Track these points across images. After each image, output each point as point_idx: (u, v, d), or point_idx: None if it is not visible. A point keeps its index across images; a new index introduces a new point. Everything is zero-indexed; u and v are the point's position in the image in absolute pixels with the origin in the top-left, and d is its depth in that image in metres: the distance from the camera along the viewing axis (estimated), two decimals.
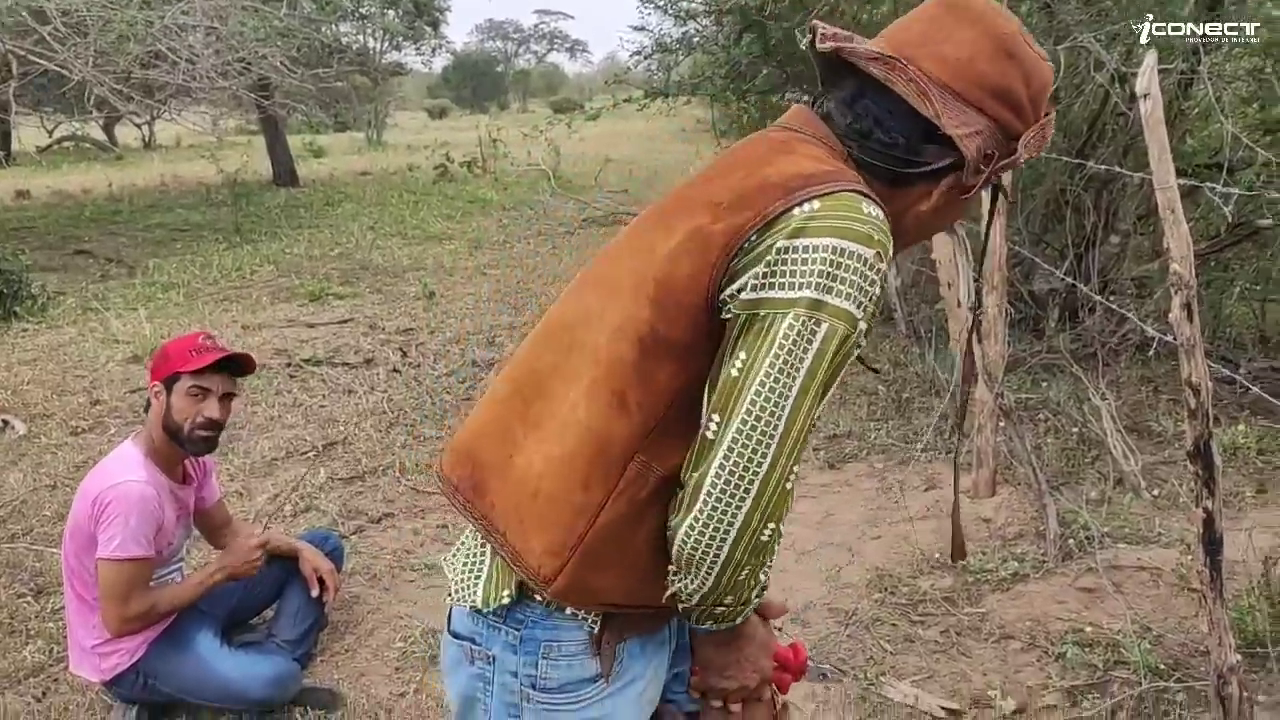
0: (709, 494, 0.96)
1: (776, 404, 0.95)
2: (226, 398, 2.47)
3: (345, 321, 6.20)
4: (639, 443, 1.02)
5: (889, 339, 5.31)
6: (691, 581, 1.01)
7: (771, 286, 0.97)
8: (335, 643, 2.79)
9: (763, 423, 0.95)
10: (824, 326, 0.96)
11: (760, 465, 0.95)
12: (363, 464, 4.00)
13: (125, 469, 2.36)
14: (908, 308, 5.42)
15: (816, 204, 0.99)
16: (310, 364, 5.32)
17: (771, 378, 0.95)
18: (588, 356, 1.05)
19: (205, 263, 8.13)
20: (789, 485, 0.98)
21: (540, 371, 1.09)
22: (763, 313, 0.97)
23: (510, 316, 6.20)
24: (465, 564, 1.14)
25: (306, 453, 4.14)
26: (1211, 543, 1.92)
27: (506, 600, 1.08)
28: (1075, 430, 3.81)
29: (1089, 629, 2.60)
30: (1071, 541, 3.03)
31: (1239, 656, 1.98)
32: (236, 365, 2.50)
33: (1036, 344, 4.67)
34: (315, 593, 2.67)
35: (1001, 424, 3.48)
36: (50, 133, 20.93)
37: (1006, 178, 1.26)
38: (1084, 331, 4.55)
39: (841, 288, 0.96)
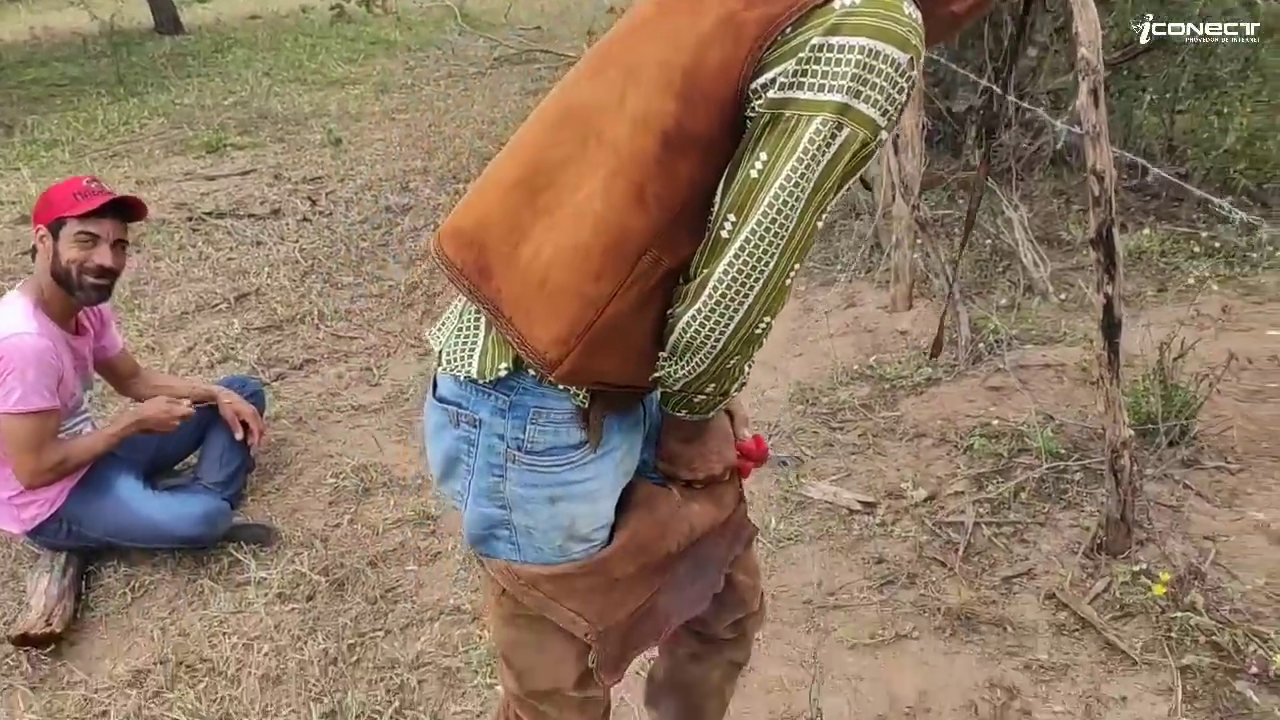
0: (715, 288, 0.99)
1: (792, 207, 0.96)
2: (119, 245, 2.35)
3: (247, 172, 5.89)
4: (654, 237, 1.02)
5: None
6: (682, 367, 1.05)
7: (801, 86, 0.95)
8: (265, 483, 2.78)
9: (776, 225, 0.96)
10: (845, 132, 0.94)
11: (768, 264, 0.97)
12: (279, 313, 3.90)
13: (15, 321, 2.25)
14: None
15: None
16: (213, 217, 5.07)
17: (792, 181, 0.95)
18: (606, 148, 1.02)
19: (89, 118, 7.57)
20: (788, 282, 1.00)
21: (551, 160, 1.06)
22: (788, 113, 0.95)
23: (423, 161, 5.96)
24: (457, 335, 1.15)
25: (218, 305, 4.01)
26: (1110, 326, 2.00)
27: (504, 373, 1.09)
28: (989, 242, 3.90)
29: (996, 422, 2.73)
30: (981, 346, 3.15)
31: (1131, 432, 2.10)
32: (127, 210, 2.37)
33: (955, 162, 4.69)
34: (239, 436, 2.64)
35: (919, 240, 3.53)
36: None
37: None
38: (1000, 147, 4.57)
39: (871, 93, 0.94)
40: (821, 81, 0.94)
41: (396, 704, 1.97)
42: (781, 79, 0.96)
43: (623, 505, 1.20)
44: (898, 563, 2.28)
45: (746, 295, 0.99)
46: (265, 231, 4.86)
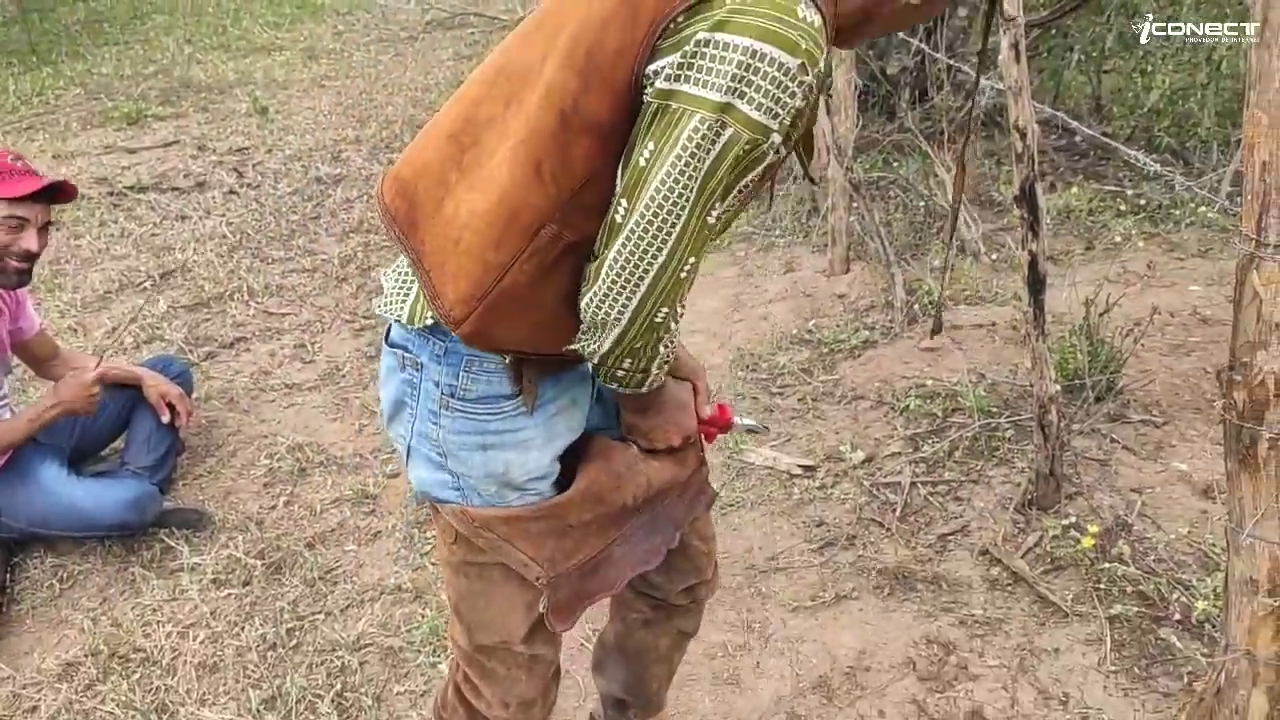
0: (608, 272, 0.99)
1: (676, 200, 0.95)
2: (44, 228, 2.26)
3: (170, 144, 5.69)
4: (550, 214, 1.02)
5: None
6: (592, 343, 1.06)
7: (686, 80, 0.94)
8: (196, 466, 2.71)
9: (660, 216, 0.96)
10: (728, 132, 0.93)
11: (658, 254, 0.97)
12: (206, 290, 3.79)
13: None
14: None
15: None
16: (135, 191, 4.89)
17: (673, 176, 0.95)
18: (521, 115, 1.03)
19: (0, 89, 7.23)
20: (683, 275, 1.00)
21: (480, 118, 1.07)
22: (674, 105, 0.95)
23: (355, 130, 5.82)
24: (397, 281, 1.18)
25: (142, 283, 3.88)
26: (1035, 283, 2.04)
27: (430, 323, 1.11)
28: (922, 204, 3.93)
29: (930, 383, 2.78)
30: (916, 307, 3.19)
31: (1059, 387, 2.15)
32: (55, 192, 2.27)
33: (889, 125, 4.71)
34: (166, 419, 2.56)
35: (855, 204, 3.54)
36: None
37: None
38: (933, 109, 4.60)
39: (754, 95, 0.92)
40: (704, 78, 0.93)
41: (338, 687, 1.95)
42: (669, 70, 0.95)
43: (581, 457, 1.22)
44: (837, 525, 2.31)
45: (639, 284, 0.99)
46: (190, 205, 4.71)
